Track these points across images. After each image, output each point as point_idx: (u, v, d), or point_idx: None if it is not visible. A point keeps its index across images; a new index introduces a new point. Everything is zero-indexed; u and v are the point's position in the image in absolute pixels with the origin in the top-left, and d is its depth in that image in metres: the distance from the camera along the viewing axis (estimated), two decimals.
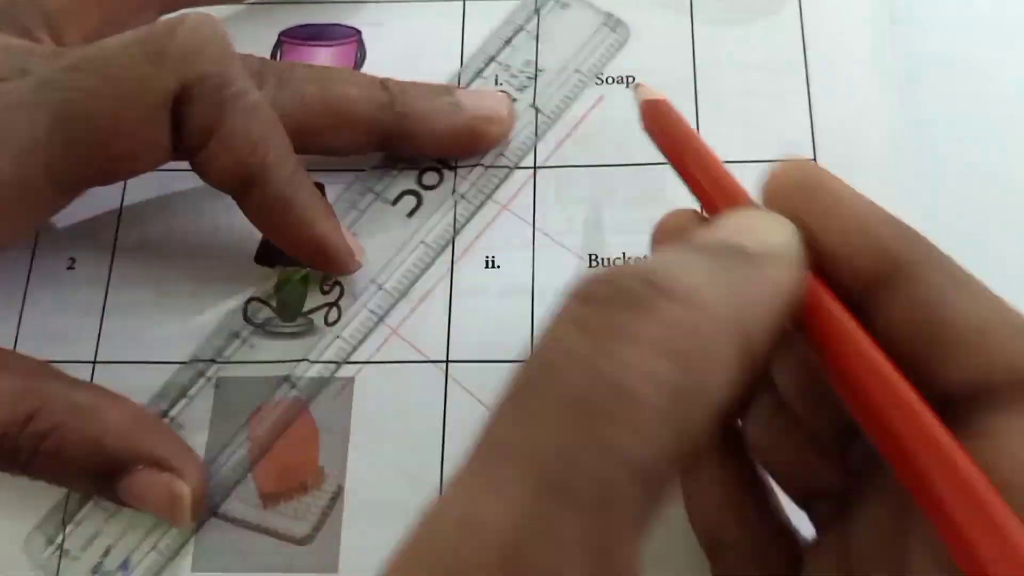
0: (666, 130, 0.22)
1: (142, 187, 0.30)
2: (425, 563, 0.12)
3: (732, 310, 0.13)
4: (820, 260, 0.15)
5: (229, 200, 0.25)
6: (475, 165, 0.29)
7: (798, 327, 0.15)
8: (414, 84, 0.29)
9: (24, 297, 0.29)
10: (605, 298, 0.12)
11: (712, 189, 0.18)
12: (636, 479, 0.11)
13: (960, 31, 0.30)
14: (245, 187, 0.25)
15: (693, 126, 0.28)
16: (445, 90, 0.29)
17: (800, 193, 0.16)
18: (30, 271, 0.29)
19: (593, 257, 0.28)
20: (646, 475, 0.12)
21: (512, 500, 0.11)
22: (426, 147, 0.29)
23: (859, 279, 0.15)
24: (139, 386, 0.27)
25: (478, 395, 0.27)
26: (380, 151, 0.29)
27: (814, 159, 0.29)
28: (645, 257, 0.22)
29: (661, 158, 0.29)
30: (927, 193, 0.28)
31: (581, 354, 0.12)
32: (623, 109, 0.30)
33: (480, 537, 0.11)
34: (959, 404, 0.14)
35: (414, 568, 0.12)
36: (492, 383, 0.27)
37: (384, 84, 0.28)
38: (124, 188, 0.30)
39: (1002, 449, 0.13)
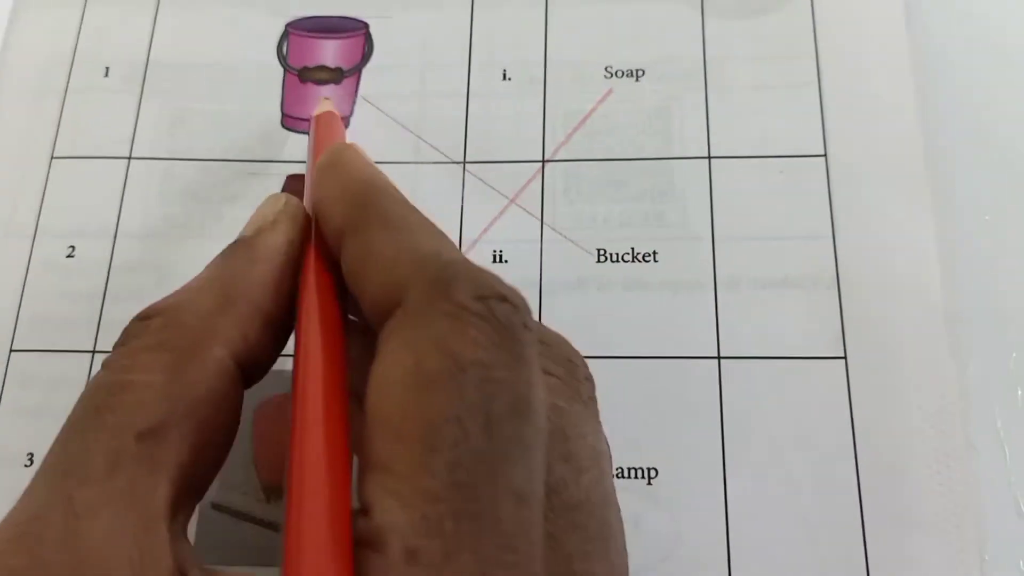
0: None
1: (144, 173, 0.30)
2: None
3: (214, 295, 0.18)
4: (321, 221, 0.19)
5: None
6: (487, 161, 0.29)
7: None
8: None
9: (24, 285, 0.28)
10: (120, 340, 0.18)
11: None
12: (143, 440, 0.15)
13: (978, 20, 0.30)
14: None
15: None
16: None
17: (325, 171, 0.20)
18: (30, 258, 0.29)
19: (602, 252, 0.28)
20: (152, 434, 0.15)
21: (33, 494, 0.15)
22: None
23: (336, 233, 0.18)
24: None
25: None
26: None
27: (824, 154, 0.29)
28: None
29: (671, 152, 0.29)
30: (941, 188, 0.28)
31: (100, 380, 0.17)
32: (632, 102, 0.30)
33: (5, 528, 0.15)
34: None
35: None
36: None
37: None
38: (127, 173, 0.30)
39: (373, 377, 0.15)
